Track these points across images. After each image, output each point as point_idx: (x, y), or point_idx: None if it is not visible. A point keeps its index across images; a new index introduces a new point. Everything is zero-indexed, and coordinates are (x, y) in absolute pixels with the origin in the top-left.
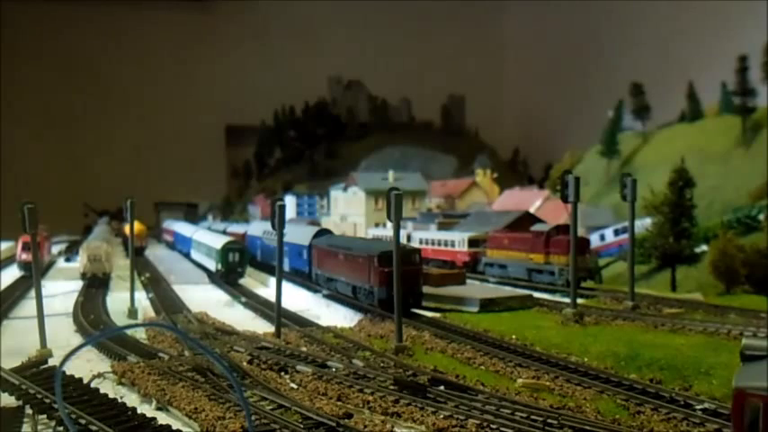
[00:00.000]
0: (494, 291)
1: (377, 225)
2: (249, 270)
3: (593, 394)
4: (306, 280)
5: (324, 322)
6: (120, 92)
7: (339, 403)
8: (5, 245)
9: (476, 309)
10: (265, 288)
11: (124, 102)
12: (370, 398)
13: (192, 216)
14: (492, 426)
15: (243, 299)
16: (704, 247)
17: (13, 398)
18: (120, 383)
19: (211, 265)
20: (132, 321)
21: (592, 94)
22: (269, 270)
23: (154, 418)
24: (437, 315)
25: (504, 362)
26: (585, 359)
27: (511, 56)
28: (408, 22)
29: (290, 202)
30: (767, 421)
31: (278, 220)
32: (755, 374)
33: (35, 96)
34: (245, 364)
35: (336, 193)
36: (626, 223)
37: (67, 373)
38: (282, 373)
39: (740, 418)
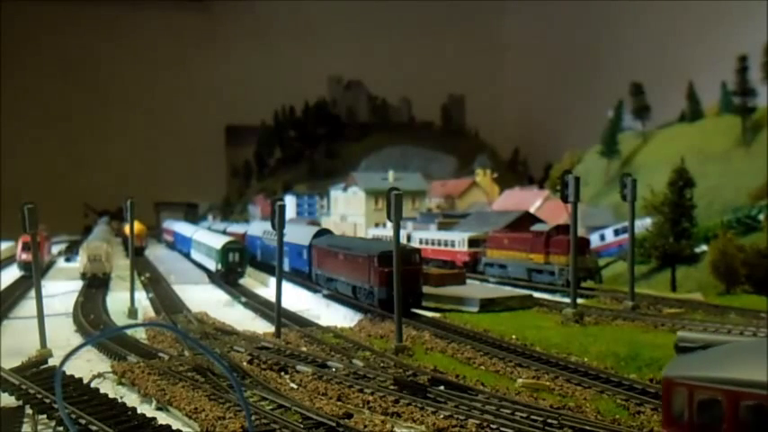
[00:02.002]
0: (494, 291)
1: (377, 225)
2: (249, 270)
3: (593, 394)
4: (306, 280)
5: (324, 322)
6: (120, 92)
7: (339, 403)
8: (5, 245)
9: (476, 309)
10: (265, 288)
11: (124, 102)
12: (370, 398)
13: (192, 216)
14: (492, 426)
15: (243, 299)
16: (704, 247)
17: (13, 398)
18: (120, 383)
19: (211, 265)
20: (132, 321)
21: (592, 94)
22: (269, 270)
23: (154, 418)
24: (437, 315)
25: (504, 362)
26: (585, 359)
27: (511, 56)
28: (408, 22)
29: (290, 202)
30: (691, 407)
31: (278, 220)
32: (684, 365)
33: (35, 96)
34: (245, 364)
35: (336, 193)
36: (626, 223)
37: (67, 373)
38: (282, 373)
39: (669, 404)
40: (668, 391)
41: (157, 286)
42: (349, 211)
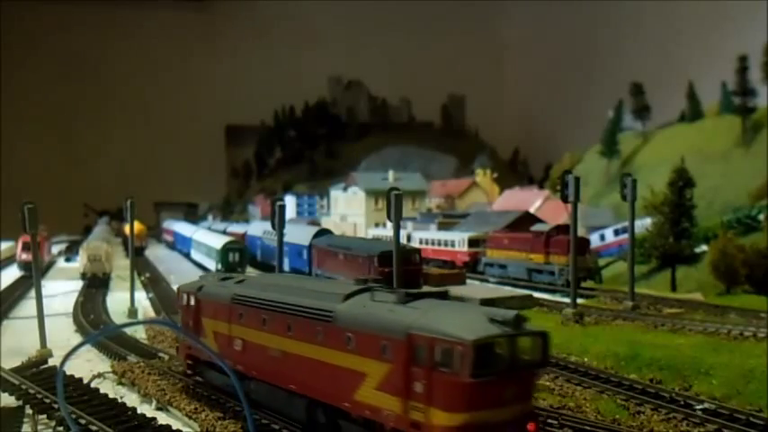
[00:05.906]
0: (494, 291)
1: (377, 225)
2: (249, 270)
3: (593, 394)
4: None
5: None
6: (120, 92)
7: None
8: (5, 245)
9: None
10: None
11: (124, 102)
12: None
13: (192, 216)
14: None
15: None
16: (704, 247)
17: (13, 398)
18: (120, 383)
19: (211, 264)
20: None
21: (592, 94)
22: (269, 270)
23: (154, 418)
24: None
25: None
26: (585, 359)
27: (511, 56)
28: (408, 22)
29: (290, 202)
30: (187, 302)
31: (278, 220)
32: (191, 283)
33: (35, 96)
34: None
35: (336, 193)
36: (626, 223)
37: (67, 373)
38: None
39: (180, 305)
40: (178, 295)
41: (157, 286)
42: (349, 211)
